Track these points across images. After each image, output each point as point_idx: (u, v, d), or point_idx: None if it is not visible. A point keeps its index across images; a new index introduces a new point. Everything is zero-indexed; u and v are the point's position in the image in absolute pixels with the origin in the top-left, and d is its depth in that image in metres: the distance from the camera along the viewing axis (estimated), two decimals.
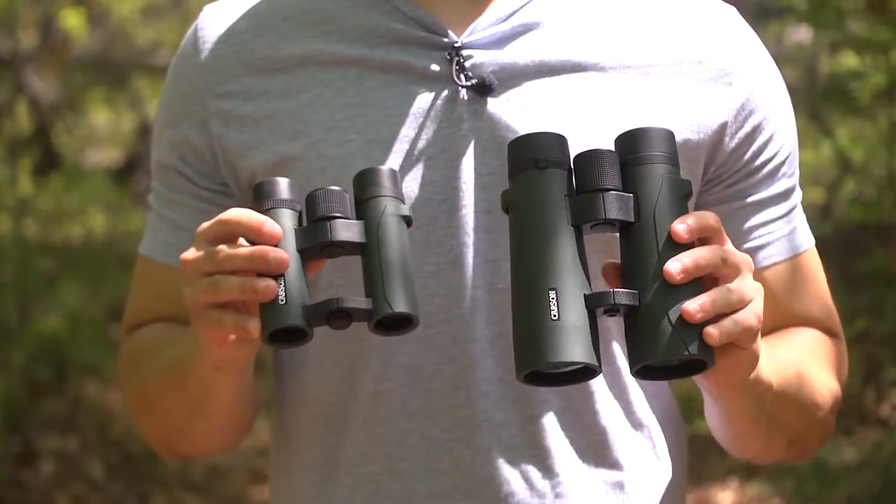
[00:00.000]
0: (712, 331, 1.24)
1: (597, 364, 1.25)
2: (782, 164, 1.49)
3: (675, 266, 1.25)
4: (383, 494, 1.45)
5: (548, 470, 1.45)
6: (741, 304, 1.27)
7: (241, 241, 1.29)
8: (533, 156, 1.30)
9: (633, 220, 1.28)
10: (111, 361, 5.27)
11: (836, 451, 4.28)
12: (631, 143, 1.30)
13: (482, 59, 1.41)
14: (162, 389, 1.48)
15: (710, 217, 1.28)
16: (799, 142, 1.53)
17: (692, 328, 1.24)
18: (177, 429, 1.51)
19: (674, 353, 1.24)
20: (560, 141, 1.30)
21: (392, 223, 1.30)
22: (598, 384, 1.46)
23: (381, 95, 1.42)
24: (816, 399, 1.47)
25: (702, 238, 1.28)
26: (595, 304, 1.26)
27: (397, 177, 1.33)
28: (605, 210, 1.27)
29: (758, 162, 1.47)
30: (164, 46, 8.92)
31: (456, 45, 1.41)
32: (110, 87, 8.92)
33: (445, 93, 1.41)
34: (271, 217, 1.29)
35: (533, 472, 1.44)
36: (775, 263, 1.49)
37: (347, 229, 1.29)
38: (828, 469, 4.08)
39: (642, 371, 1.27)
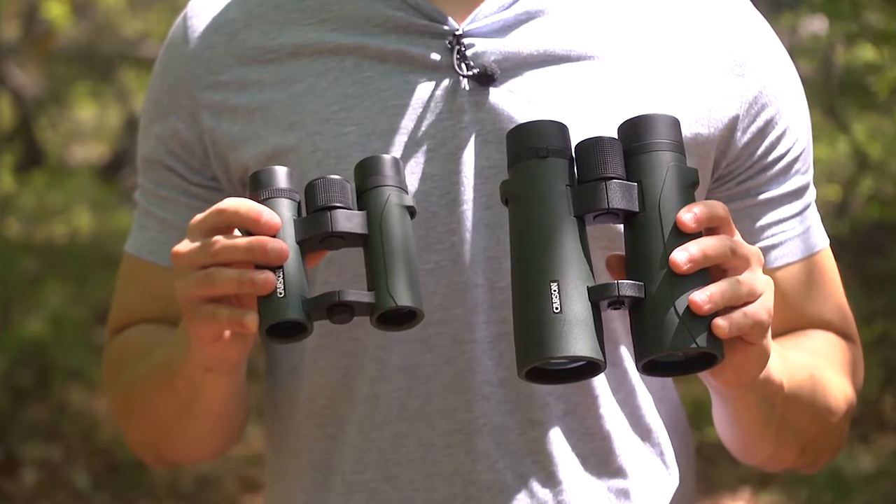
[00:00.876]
0: (721, 322, 1.24)
1: (602, 359, 1.25)
2: (796, 160, 1.49)
3: (682, 255, 1.25)
4: (379, 501, 1.45)
5: (550, 476, 1.45)
6: (751, 297, 1.27)
7: (236, 233, 1.29)
8: (532, 144, 1.30)
9: (637, 209, 1.28)
10: (96, 366, 5.27)
11: (853, 458, 4.28)
12: (634, 131, 1.30)
13: (484, 47, 1.41)
14: (149, 391, 1.48)
15: (717, 206, 1.28)
16: (814, 137, 1.54)
17: (700, 320, 1.24)
18: (163, 432, 1.51)
19: (681, 346, 1.24)
20: (560, 129, 1.31)
21: (395, 213, 1.30)
22: (602, 387, 1.46)
23: (378, 86, 1.42)
24: (830, 404, 1.47)
25: (710, 228, 1.28)
26: (599, 297, 1.26)
27: (400, 165, 1.33)
28: (608, 199, 1.27)
29: (770, 158, 1.47)
30: (152, 37, 8.92)
31: (457, 32, 1.41)
32: (96, 79, 8.92)
33: (446, 83, 1.42)
34: (269, 207, 1.29)
35: (534, 478, 1.44)
36: (788, 264, 1.49)
37: (349, 220, 1.29)
38: (844, 477, 4.08)
39: (648, 366, 1.27)
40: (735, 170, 1.47)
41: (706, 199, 1.47)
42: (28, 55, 8.00)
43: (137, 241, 1.53)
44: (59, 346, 5.43)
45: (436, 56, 1.42)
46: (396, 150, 1.41)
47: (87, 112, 9.99)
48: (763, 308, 1.27)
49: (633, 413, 1.48)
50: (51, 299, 5.86)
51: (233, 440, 1.55)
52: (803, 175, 1.50)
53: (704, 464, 4.36)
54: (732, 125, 1.45)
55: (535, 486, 1.44)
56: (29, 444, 4.94)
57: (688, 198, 1.28)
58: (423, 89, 1.42)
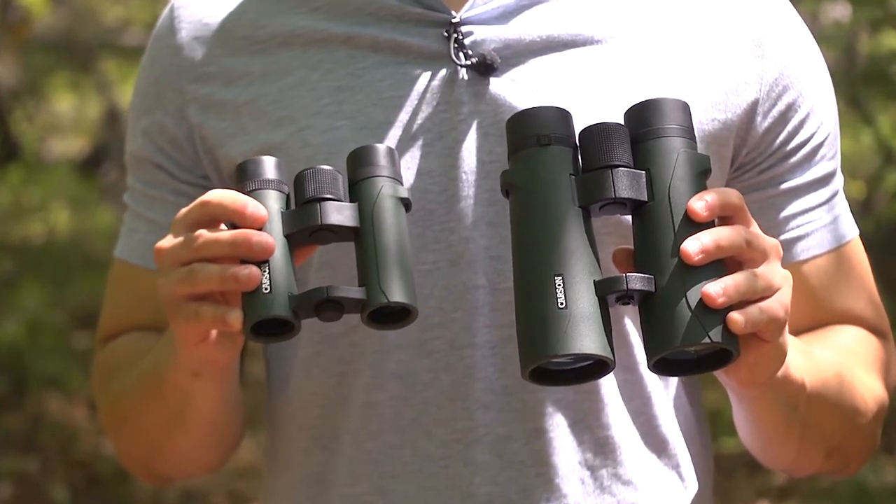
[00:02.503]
0: (737, 317, 1.23)
1: (611, 357, 1.24)
2: (821, 145, 1.48)
3: (694, 245, 1.24)
4: None
5: (555, 490, 1.44)
6: (768, 292, 1.26)
7: (222, 227, 1.29)
8: (533, 132, 1.30)
9: (646, 198, 1.28)
10: (75, 373, 5.28)
11: (877, 470, 4.27)
12: (642, 116, 1.30)
13: (483, 35, 1.41)
14: (138, 401, 1.47)
15: (731, 194, 1.28)
16: None
17: (714, 314, 1.23)
18: (154, 444, 1.51)
19: (694, 341, 1.23)
20: (563, 115, 1.31)
21: (389, 206, 1.30)
22: (614, 395, 1.45)
23: (372, 77, 1.42)
24: (858, 404, 1.47)
25: (723, 218, 1.28)
26: (606, 291, 1.25)
27: (395, 156, 1.33)
28: (614, 188, 1.27)
29: (793, 144, 1.47)
30: (133, 25, 8.92)
31: (454, 20, 1.41)
32: (75, 69, 8.92)
33: (443, 73, 1.41)
34: (255, 199, 1.29)
35: (538, 492, 1.44)
36: (816, 256, 1.48)
37: (339, 212, 1.29)
38: (868, 490, 4.08)
39: (659, 365, 1.26)
40: (756, 157, 1.47)
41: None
42: (3, 44, 8.00)
43: (126, 244, 1.54)
44: (36, 352, 5.44)
45: (432, 45, 1.42)
46: (391, 144, 1.41)
47: (66, 104, 10.00)
48: (780, 304, 1.27)
49: (648, 423, 1.48)
50: (27, 302, 5.86)
51: (227, 453, 1.55)
52: (830, 161, 1.49)
53: (721, 476, 4.36)
54: (752, 109, 1.45)
55: (540, 500, 1.44)
56: (4, 456, 4.94)
57: (699, 186, 1.28)
58: (420, 80, 1.42)
